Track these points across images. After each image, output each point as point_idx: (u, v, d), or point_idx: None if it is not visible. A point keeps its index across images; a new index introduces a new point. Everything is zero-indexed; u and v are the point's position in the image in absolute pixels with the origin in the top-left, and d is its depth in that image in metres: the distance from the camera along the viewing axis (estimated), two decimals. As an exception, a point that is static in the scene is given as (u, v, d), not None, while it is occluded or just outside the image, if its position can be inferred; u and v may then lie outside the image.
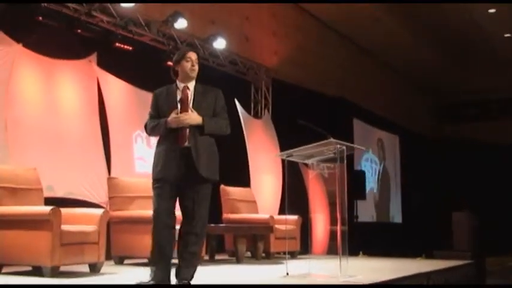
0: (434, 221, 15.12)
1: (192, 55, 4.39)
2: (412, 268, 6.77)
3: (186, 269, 4.22)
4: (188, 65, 4.37)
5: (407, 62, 15.39)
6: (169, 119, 4.22)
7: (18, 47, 6.85)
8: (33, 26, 7.06)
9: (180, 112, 4.24)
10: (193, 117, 4.24)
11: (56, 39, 7.38)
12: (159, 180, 4.22)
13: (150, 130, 4.40)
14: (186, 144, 4.23)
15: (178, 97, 4.32)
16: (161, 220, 4.19)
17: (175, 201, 4.31)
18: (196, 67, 4.40)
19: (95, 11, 7.74)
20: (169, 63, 4.58)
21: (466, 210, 12.75)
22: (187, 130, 4.23)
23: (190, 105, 4.30)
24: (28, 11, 7.02)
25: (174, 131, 4.23)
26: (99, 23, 7.88)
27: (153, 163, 4.31)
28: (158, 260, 4.20)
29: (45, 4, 7.11)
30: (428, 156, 17.35)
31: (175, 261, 4.29)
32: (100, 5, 7.76)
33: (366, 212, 14.24)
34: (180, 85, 4.38)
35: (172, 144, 4.23)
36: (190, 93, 4.35)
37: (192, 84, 4.40)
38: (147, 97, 8.54)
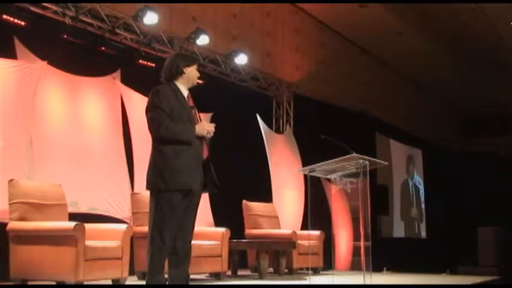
0: (459, 236, 14.92)
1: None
2: (436, 284, 6.69)
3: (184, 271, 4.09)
4: (197, 74, 4.29)
5: (431, 76, 15.31)
6: (201, 127, 4.08)
7: (43, 64, 6.95)
8: (58, 44, 7.17)
9: (194, 119, 4.15)
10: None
11: (80, 57, 7.50)
12: (183, 191, 3.98)
13: (175, 132, 4.01)
14: (206, 156, 4.16)
15: (190, 103, 4.22)
16: (171, 237, 3.98)
17: None
18: None
19: (119, 28, 7.84)
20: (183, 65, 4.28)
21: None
22: (205, 141, 4.16)
23: (197, 114, 4.26)
24: (53, 28, 7.14)
25: (198, 140, 4.09)
26: (122, 40, 7.98)
27: (169, 171, 3.96)
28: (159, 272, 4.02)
29: (70, 22, 7.23)
30: (453, 171, 17.18)
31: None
32: (123, 23, 7.87)
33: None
34: (184, 90, 4.23)
35: (197, 155, 4.07)
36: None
37: (189, 92, 4.31)
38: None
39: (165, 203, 3.95)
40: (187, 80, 4.23)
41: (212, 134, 4.14)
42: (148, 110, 4.10)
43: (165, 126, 3.97)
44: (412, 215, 15.44)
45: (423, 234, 16.13)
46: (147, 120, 4.11)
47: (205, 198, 8.58)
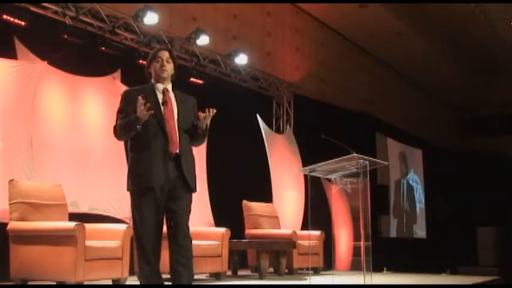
0: (459, 236, 14.92)
1: (163, 54, 4.02)
2: (436, 284, 6.69)
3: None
4: (157, 65, 4.00)
5: (431, 76, 15.31)
6: (137, 110, 3.73)
7: (43, 65, 6.95)
8: (58, 44, 7.16)
9: (165, 116, 3.88)
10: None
11: (81, 57, 7.49)
12: (144, 190, 3.78)
13: (121, 129, 3.90)
14: (178, 150, 3.87)
15: (160, 99, 3.95)
16: (148, 235, 3.81)
17: (163, 213, 3.88)
18: (168, 66, 4.01)
19: (119, 28, 7.84)
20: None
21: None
22: (178, 135, 3.89)
23: (175, 110, 3.95)
24: (53, 28, 7.13)
25: (162, 135, 3.84)
26: (122, 40, 7.98)
27: (133, 170, 3.85)
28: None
29: (70, 22, 7.23)
30: (453, 171, 17.17)
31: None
32: (124, 23, 7.87)
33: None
34: (158, 86, 4.00)
35: (160, 150, 3.82)
36: (172, 97, 4.00)
37: (169, 87, 4.04)
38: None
39: (135, 204, 3.85)
40: (155, 77, 4.03)
41: (141, 115, 3.72)
42: None
43: (115, 129, 3.96)
44: (404, 214, 15.37)
45: (420, 234, 16.08)
46: None
47: (205, 198, 8.58)
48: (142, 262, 3.85)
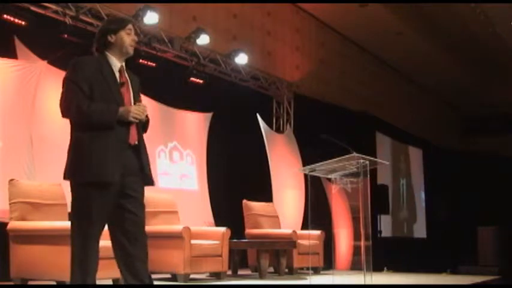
0: (460, 236, 14.92)
1: (132, 27, 3.49)
2: (437, 284, 6.68)
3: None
4: (129, 39, 3.44)
5: (431, 75, 15.32)
6: (125, 111, 3.30)
7: (44, 64, 6.95)
8: (59, 44, 7.16)
9: (123, 99, 3.38)
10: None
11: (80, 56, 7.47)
12: (96, 184, 3.23)
13: (88, 114, 3.26)
14: (136, 141, 3.40)
15: (118, 79, 3.42)
16: (94, 236, 3.33)
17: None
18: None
19: (119, 28, 7.83)
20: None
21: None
22: (135, 125, 3.39)
23: (132, 94, 3.47)
24: (53, 28, 7.13)
25: (121, 123, 3.30)
26: (122, 40, 7.96)
27: (82, 161, 3.32)
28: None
29: (70, 22, 7.22)
30: (453, 170, 17.18)
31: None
32: (124, 22, 7.86)
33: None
34: (115, 63, 3.43)
35: (118, 140, 3.29)
36: (128, 78, 3.49)
37: (124, 66, 3.50)
38: (170, 113, 8.64)
39: (80, 198, 3.31)
40: (119, 49, 3.43)
41: (142, 118, 3.37)
42: (62, 85, 3.37)
43: (76, 106, 3.25)
44: (401, 215, 15.33)
45: (420, 234, 16.07)
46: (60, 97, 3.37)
47: (205, 197, 8.58)
48: (82, 272, 3.41)
